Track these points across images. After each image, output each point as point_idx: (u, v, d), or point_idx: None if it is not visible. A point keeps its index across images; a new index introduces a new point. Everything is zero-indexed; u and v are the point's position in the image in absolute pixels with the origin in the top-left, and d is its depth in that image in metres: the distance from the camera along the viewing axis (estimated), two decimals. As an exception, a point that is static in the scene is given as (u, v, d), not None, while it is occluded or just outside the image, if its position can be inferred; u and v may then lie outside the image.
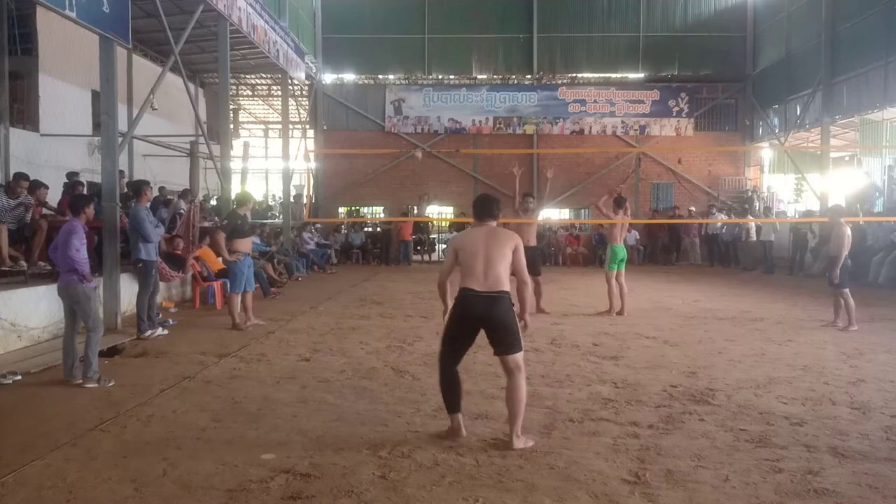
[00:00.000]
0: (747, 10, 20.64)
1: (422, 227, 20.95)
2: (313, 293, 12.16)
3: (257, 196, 24.64)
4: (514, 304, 4.24)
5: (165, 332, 8.00)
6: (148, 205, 8.40)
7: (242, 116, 27.41)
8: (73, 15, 7.07)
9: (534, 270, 9.88)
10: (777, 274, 16.03)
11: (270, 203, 23.67)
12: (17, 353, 6.61)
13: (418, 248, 20.64)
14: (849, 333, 8.10)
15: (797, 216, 18.01)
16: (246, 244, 8.78)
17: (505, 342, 4.19)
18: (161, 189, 13.66)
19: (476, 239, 4.35)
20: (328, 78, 21.47)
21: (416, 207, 20.54)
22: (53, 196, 10.32)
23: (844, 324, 8.38)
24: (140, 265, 8.02)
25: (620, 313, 9.66)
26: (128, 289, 8.72)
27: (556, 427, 4.54)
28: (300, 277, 14.79)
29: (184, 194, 12.01)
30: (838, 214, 8.89)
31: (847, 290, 8.40)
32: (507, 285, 4.22)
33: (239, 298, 8.56)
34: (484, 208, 4.48)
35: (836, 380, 5.81)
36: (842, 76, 15.93)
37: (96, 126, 12.21)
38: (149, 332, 7.71)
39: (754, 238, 17.09)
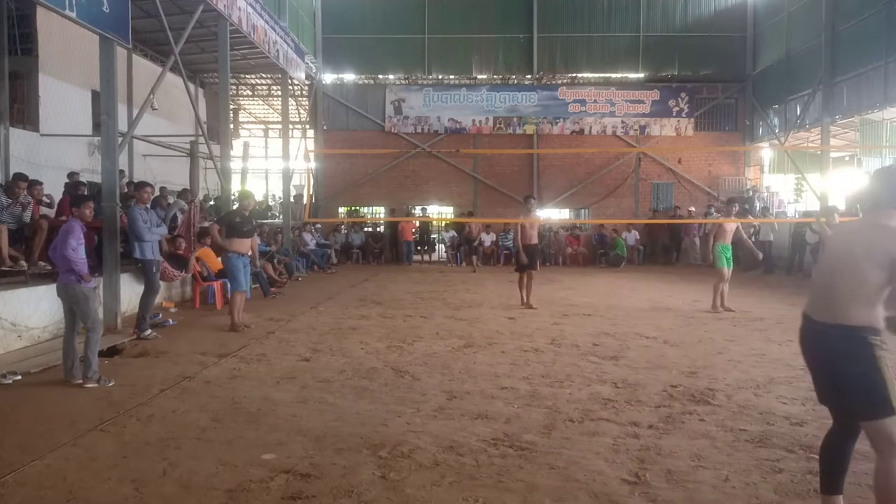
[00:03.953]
0: (747, 10, 20.64)
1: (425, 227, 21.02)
2: (313, 293, 12.15)
3: (257, 196, 24.71)
4: (876, 345, 2.87)
5: (156, 333, 7.84)
6: (147, 206, 8.38)
7: (242, 116, 27.42)
8: (73, 15, 7.07)
9: (531, 265, 10.53)
10: (776, 274, 16.04)
11: (270, 203, 23.67)
12: (17, 353, 6.61)
13: (418, 248, 20.65)
14: None
15: (797, 216, 18.01)
16: (243, 245, 8.45)
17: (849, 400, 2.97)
18: (162, 189, 13.68)
19: (843, 239, 3.12)
20: (328, 78, 21.47)
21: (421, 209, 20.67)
22: (54, 195, 10.32)
23: None
24: (139, 265, 8.02)
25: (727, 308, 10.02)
26: (128, 289, 8.72)
27: (556, 427, 4.54)
28: (300, 277, 14.79)
29: (183, 194, 12.01)
30: (834, 215, 8.96)
31: None
32: (857, 316, 2.89)
33: (242, 297, 8.39)
34: (883, 189, 3.01)
35: (836, 380, 5.80)
36: (842, 76, 15.93)
37: (96, 126, 12.22)
38: (148, 332, 7.71)
39: (761, 238, 17.06)
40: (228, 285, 8.89)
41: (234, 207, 9.08)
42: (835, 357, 2.96)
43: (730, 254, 10.14)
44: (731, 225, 10.10)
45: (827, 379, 3.04)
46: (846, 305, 2.91)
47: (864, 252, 2.90)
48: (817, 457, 3.22)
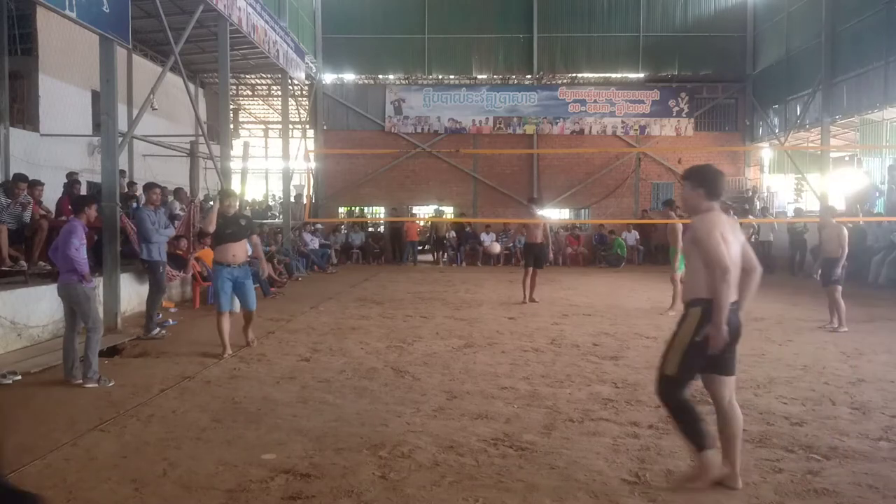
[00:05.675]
0: (747, 10, 20.64)
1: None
2: (313, 293, 12.15)
3: (257, 196, 24.69)
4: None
5: (165, 332, 7.99)
6: (157, 207, 8.39)
7: (242, 116, 27.42)
8: (73, 15, 7.07)
9: (538, 264, 11.07)
10: (777, 274, 16.02)
11: (270, 203, 23.67)
12: (17, 353, 6.61)
13: (420, 248, 20.62)
14: (846, 333, 8.09)
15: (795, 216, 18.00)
16: (227, 252, 6.92)
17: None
18: (163, 190, 13.67)
19: (736, 232, 3.66)
20: (328, 78, 21.46)
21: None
22: (54, 196, 10.32)
23: (838, 324, 8.38)
24: (145, 265, 8.05)
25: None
26: (128, 289, 8.72)
27: (556, 427, 4.54)
28: (300, 277, 14.80)
29: (177, 193, 11.98)
30: (830, 215, 9.01)
31: (840, 289, 8.40)
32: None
33: (224, 319, 6.88)
34: (721, 184, 3.69)
35: (836, 380, 5.81)
36: (842, 76, 15.93)
37: (96, 126, 12.20)
38: (155, 331, 7.75)
39: (761, 238, 17.06)
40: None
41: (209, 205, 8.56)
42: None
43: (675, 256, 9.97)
44: (677, 227, 10.00)
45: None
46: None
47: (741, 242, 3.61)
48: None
